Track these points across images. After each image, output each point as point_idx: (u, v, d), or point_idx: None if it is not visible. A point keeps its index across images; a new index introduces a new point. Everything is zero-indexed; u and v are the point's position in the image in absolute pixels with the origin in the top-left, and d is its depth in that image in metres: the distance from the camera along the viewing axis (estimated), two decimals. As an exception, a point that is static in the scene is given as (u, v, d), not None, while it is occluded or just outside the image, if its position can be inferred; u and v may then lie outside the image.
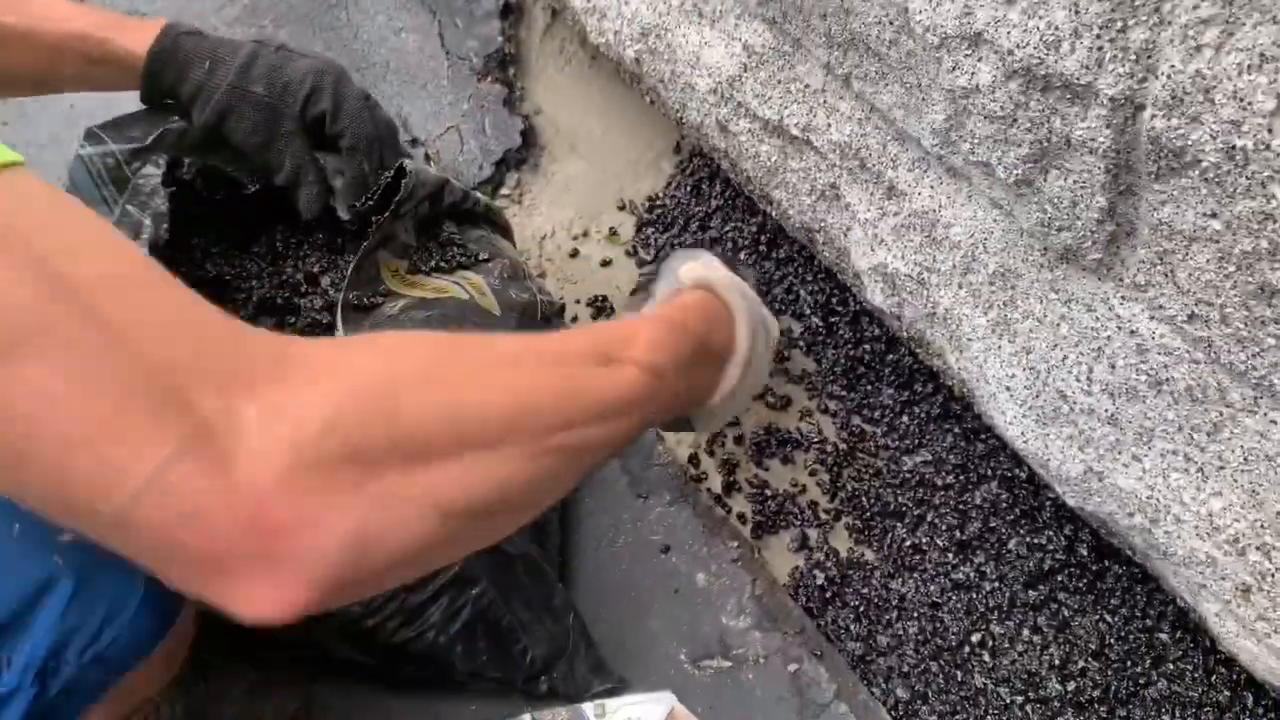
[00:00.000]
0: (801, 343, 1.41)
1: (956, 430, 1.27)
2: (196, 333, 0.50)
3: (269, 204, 1.13)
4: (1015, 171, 0.87)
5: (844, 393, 1.35)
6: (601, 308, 1.50)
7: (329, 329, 1.09)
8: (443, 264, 1.12)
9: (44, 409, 0.44)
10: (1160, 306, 0.84)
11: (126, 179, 1.08)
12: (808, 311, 1.41)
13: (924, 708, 1.09)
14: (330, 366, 0.53)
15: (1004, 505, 1.20)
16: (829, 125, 1.13)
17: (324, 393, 0.51)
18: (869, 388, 1.35)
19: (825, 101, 1.12)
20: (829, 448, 1.31)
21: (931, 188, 1.04)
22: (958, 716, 1.08)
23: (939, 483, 1.24)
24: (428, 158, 1.69)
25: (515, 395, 0.61)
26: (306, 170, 1.03)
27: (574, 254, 1.60)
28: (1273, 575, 0.85)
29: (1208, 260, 0.77)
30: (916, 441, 1.29)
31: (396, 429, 0.53)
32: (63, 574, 0.64)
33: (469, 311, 1.05)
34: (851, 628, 1.15)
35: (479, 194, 1.23)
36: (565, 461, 0.64)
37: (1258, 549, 0.86)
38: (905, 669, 1.12)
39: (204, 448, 0.46)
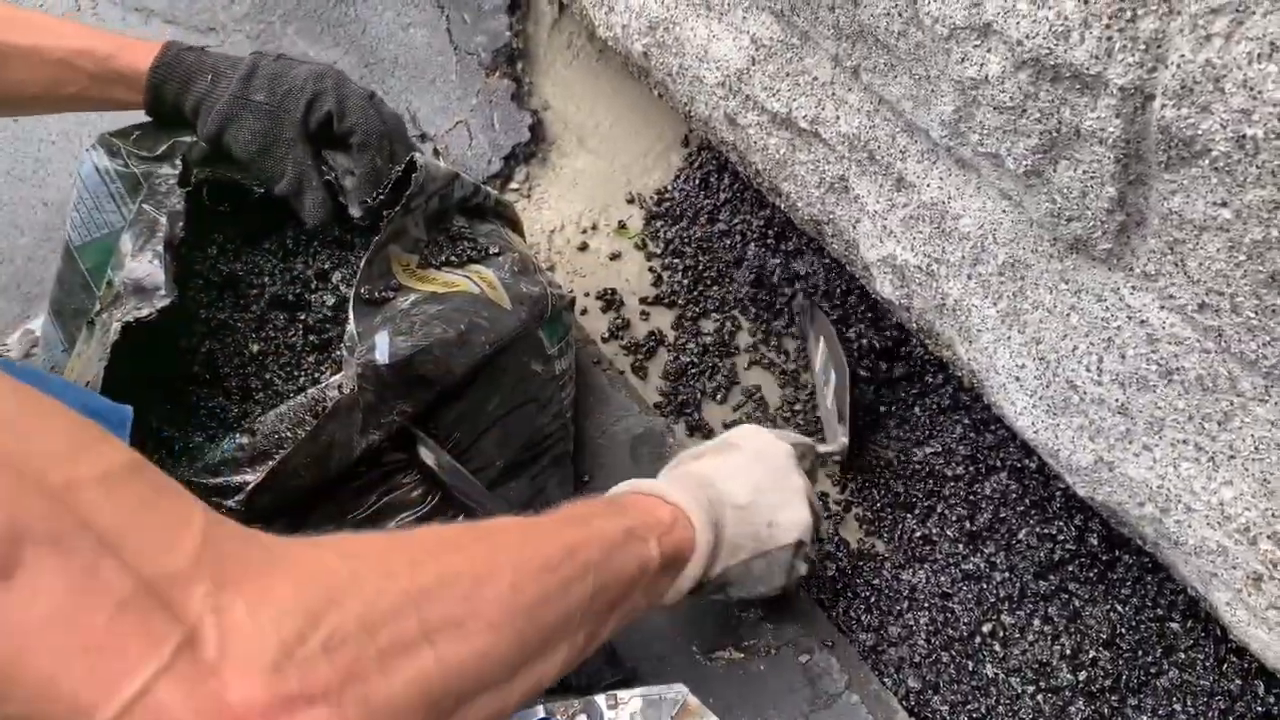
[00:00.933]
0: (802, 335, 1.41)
1: (966, 421, 1.27)
2: (186, 533, 0.50)
3: (277, 202, 1.13)
4: (1025, 162, 0.87)
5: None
6: (611, 300, 1.50)
7: (338, 323, 1.10)
8: (453, 258, 1.13)
9: (37, 623, 0.44)
10: (1171, 296, 0.84)
11: (136, 177, 1.09)
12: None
13: (935, 698, 1.10)
14: (309, 570, 0.54)
15: (1014, 496, 1.20)
16: (837, 117, 1.13)
17: (306, 598, 0.52)
18: (886, 387, 1.35)
19: (834, 94, 1.13)
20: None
21: (940, 179, 1.04)
22: (969, 706, 1.09)
23: (949, 474, 1.24)
24: (436, 152, 1.69)
25: (471, 565, 0.64)
26: (309, 177, 1.03)
27: (583, 247, 1.60)
28: (1284, 564, 0.85)
29: (1218, 249, 0.77)
30: (927, 433, 1.29)
31: (369, 627, 0.53)
32: None
33: (480, 305, 1.05)
34: (863, 618, 1.15)
35: (488, 188, 1.23)
36: (536, 624, 0.66)
37: (1269, 538, 0.86)
38: (916, 659, 1.12)
39: (191, 661, 0.46)
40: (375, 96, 1.07)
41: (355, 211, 1.05)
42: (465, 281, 1.07)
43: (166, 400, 1.05)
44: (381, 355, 0.94)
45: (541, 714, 1.06)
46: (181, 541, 0.50)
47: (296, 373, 1.08)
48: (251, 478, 0.92)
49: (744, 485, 0.97)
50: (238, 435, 0.98)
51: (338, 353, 1.05)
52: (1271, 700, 1.05)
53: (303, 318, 1.10)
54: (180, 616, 0.47)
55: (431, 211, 1.14)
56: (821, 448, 1.16)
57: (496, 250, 1.15)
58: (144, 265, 0.97)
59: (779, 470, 1.01)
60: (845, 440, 1.21)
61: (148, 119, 1.09)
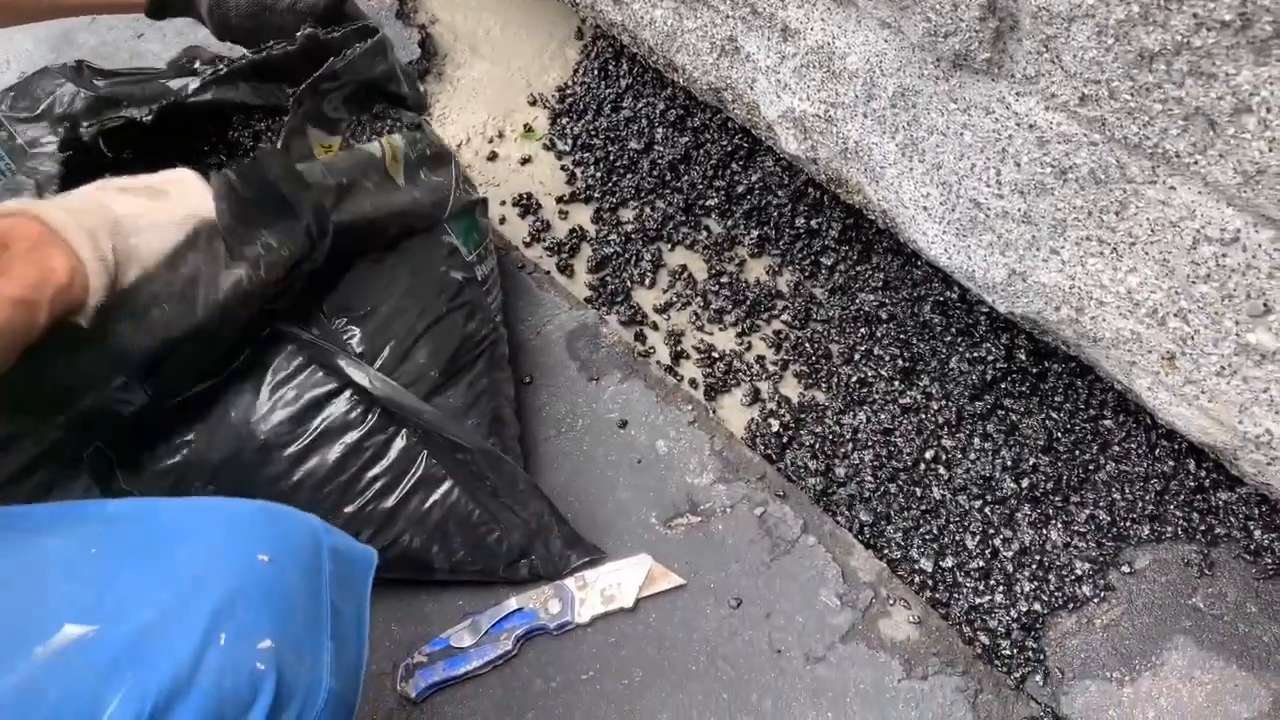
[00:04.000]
0: (720, 209, 1.42)
1: (887, 267, 1.29)
2: None
3: (180, 136, 1.11)
4: (894, -17, 0.87)
5: (781, 247, 1.37)
6: (528, 205, 1.49)
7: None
8: (374, 136, 1.11)
9: None
10: (1053, 95, 0.85)
11: (22, 147, 1.06)
12: (720, 172, 1.42)
13: (888, 527, 1.14)
14: None
15: (940, 327, 1.23)
16: (714, -25, 1.12)
17: None
18: (800, 240, 1.36)
19: (707, -49, 1.11)
20: (775, 304, 1.33)
21: (822, 20, 1.04)
22: (921, 530, 1.13)
23: (879, 317, 1.26)
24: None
25: None
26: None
27: (492, 157, 1.58)
28: (1192, 338, 0.89)
29: (1088, 37, 0.78)
30: (851, 282, 1.31)
31: None
32: (265, 678, 0.66)
33: (371, 169, 1.04)
34: (810, 465, 1.18)
35: (409, 71, 1.22)
36: None
37: (1175, 315, 0.89)
38: (866, 494, 1.16)
39: None
40: None
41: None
42: (371, 145, 1.06)
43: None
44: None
45: (514, 605, 1.09)
46: None
47: None
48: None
49: (160, 244, 0.87)
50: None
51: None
52: (1203, 474, 1.10)
53: None
54: None
55: (350, 92, 1.12)
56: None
57: (417, 124, 1.14)
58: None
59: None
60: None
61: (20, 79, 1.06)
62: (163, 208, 0.88)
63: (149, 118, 1.04)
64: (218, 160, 1.15)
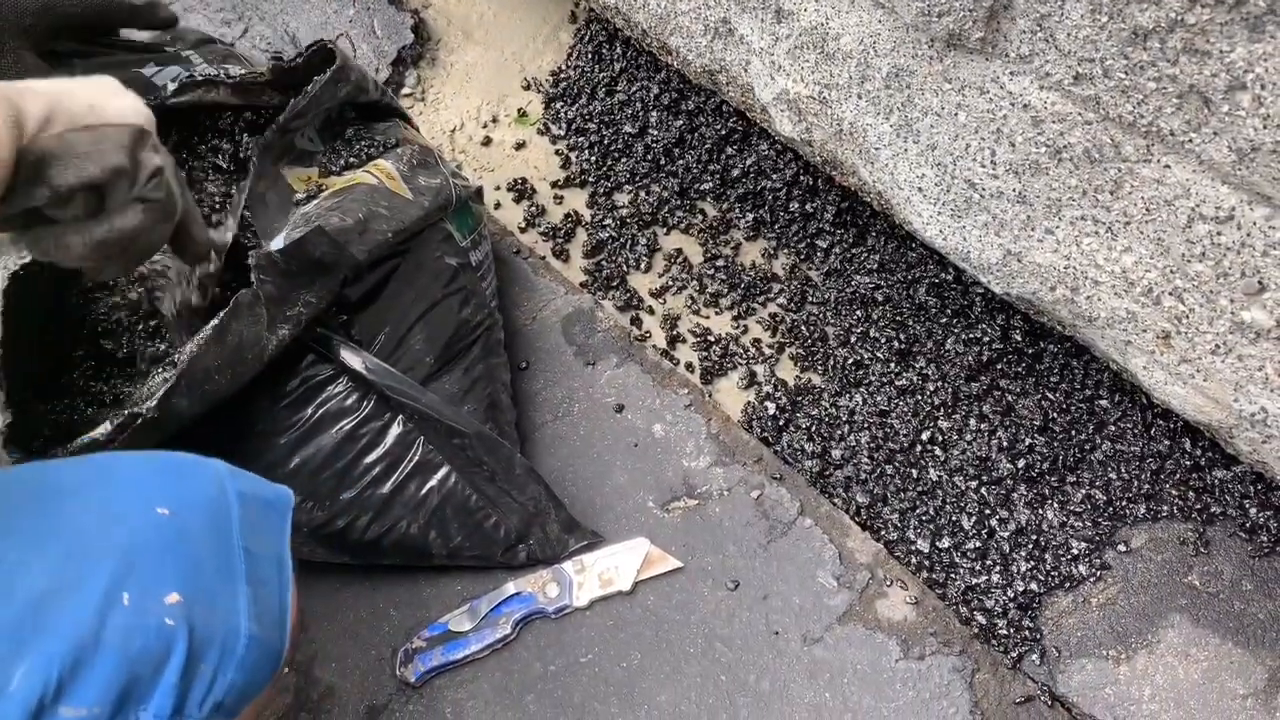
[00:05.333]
0: (715, 193, 1.41)
1: (882, 250, 1.29)
2: None
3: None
4: (887, -38, 0.86)
5: (776, 230, 1.37)
6: (522, 190, 1.49)
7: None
8: (353, 160, 1.11)
9: None
10: (1047, 74, 0.85)
11: None
12: (710, 151, 1.42)
13: (885, 508, 1.14)
14: None
15: (935, 309, 1.22)
16: (707, -44, 1.11)
17: None
18: (795, 223, 1.36)
19: (699, -68, 1.11)
20: (771, 288, 1.33)
21: (816, 1, 1.03)
22: (918, 511, 1.13)
23: (875, 299, 1.26)
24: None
25: None
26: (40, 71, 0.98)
27: (486, 141, 1.58)
28: (1187, 317, 0.89)
29: (1082, 15, 0.78)
30: (846, 265, 1.31)
31: None
32: (176, 634, 0.64)
33: (379, 195, 1.04)
34: (806, 447, 1.18)
35: (375, 79, 1.20)
36: None
37: (1170, 294, 0.89)
38: (862, 476, 1.16)
39: None
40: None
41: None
42: (364, 175, 1.06)
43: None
44: (276, 245, 0.93)
45: (512, 589, 1.09)
46: None
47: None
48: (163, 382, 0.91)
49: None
50: (161, 369, 0.97)
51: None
52: (1198, 453, 1.10)
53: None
54: None
55: (320, 122, 1.12)
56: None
57: (395, 142, 1.13)
58: None
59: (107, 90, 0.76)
60: None
61: None
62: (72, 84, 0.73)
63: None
64: (193, 163, 1.13)
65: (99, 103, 0.74)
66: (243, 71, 1.09)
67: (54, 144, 0.71)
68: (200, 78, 1.06)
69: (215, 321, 0.91)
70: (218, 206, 1.10)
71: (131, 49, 1.13)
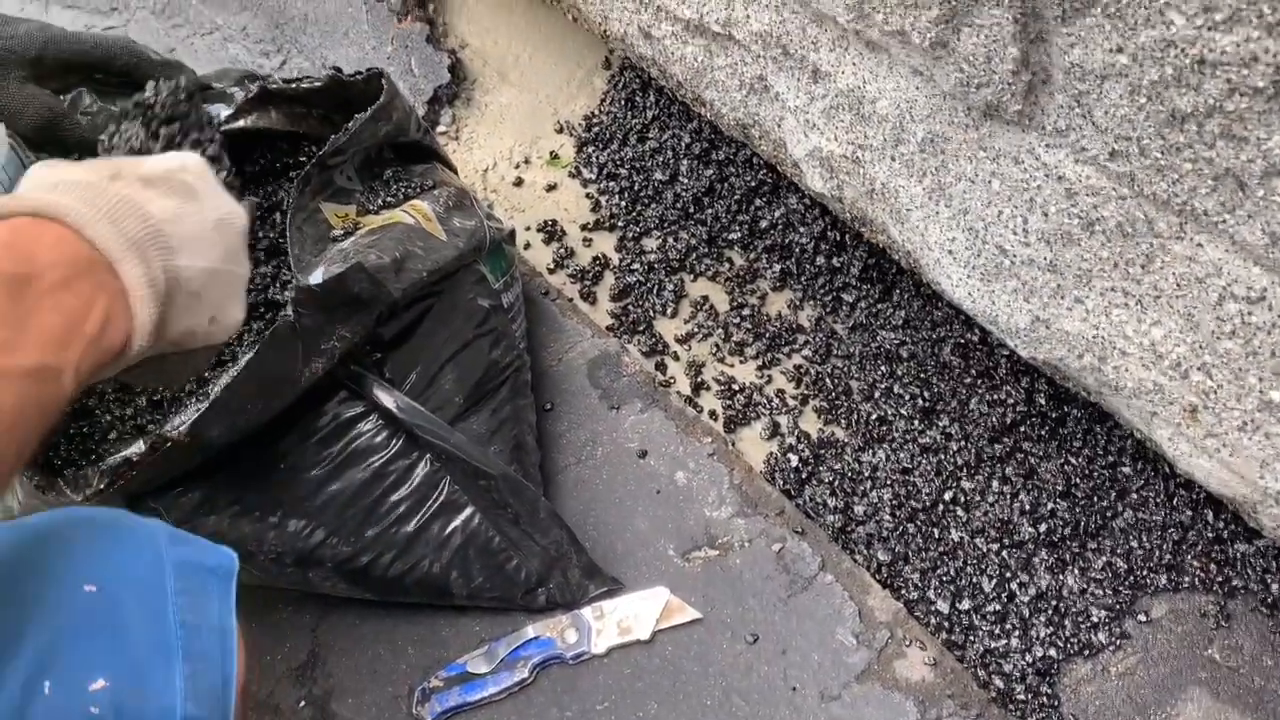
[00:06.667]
0: (742, 243, 1.43)
1: (908, 306, 1.30)
2: None
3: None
4: (929, 34, 0.88)
5: (803, 282, 1.38)
6: (552, 232, 1.51)
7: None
8: (389, 199, 1.13)
9: None
10: (1083, 149, 0.86)
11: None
12: (743, 206, 1.43)
13: (906, 567, 1.14)
14: None
15: (960, 368, 1.23)
16: (748, 17, 1.13)
17: None
18: (822, 276, 1.37)
19: (741, -8, 1.13)
20: (796, 339, 1.35)
21: (854, 64, 1.05)
22: (939, 571, 1.13)
23: (900, 355, 1.27)
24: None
25: None
26: (54, 107, 1.01)
27: (518, 182, 1.60)
28: (1215, 392, 0.89)
29: (1120, 95, 0.80)
30: (871, 320, 1.32)
31: None
32: None
33: (415, 235, 1.06)
34: (829, 502, 1.19)
35: (417, 115, 1.23)
36: None
37: (1199, 369, 0.89)
38: (884, 534, 1.16)
39: None
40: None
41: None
42: (401, 215, 1.08)
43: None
44: (315, 280, 0.94)
45: (531, 633, 1.10)
46: None
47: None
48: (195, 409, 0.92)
49: (204, 262, 0.70)
50: (195, 400, 0.98)
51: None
52: (1221, 525, 1.10)
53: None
54: None
55: (360, 162, 1.14)
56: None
57: (431, 184, 1.15)
58: None
59: (236, 249, 0.75)
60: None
61: None
62: (195, 210, 0.70)
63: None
64: (242, 188, 1.15)
65: (220, 316, 0.73)
66: (299, 79, 1.12)
67: (149, 370, 0.71)
68: (255, 89, 1.09)
69: (251, 352, 0.92)
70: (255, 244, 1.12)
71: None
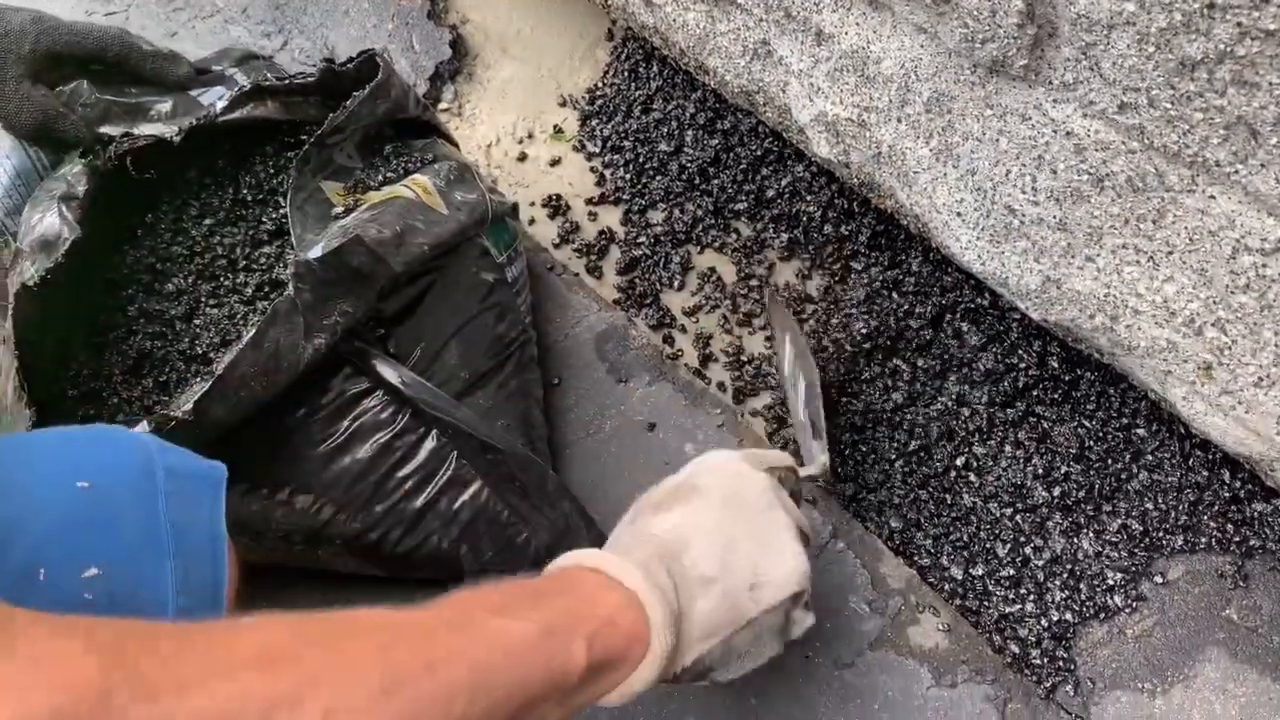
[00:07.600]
0: (749, 213, 1.41)
1: (916, 271, 1.29)
2: None
3: (203, 151, 1.12)
4: (932, -12, 0.86)
5: (810, 251, 1.37)
6: (557, 206, 1.50)
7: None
8: (389, 175, 1.12)
9: None
10: (1091, 102, 0.85)
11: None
12: (749, 173, 1.42)
13: (918, 534, 1.13)
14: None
15: (970, 333, 1.22)
16: (748, -22, 1.12)
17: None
18: (830, 245, 1.36)
19: (741, -46, 1.11)
20: (805, 308, 1.33)
21: (857, 24, 1.03)
22: (952, 537, 1.12)
23: (911, 324, 1.26)
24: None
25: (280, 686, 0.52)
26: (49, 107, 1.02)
27: (522, 157, 1.59)
28: (1230, 348, 0.88)
29: (1128, 45, 0.78)
30: (880, 286, 1.30)
31: None
32: (94, 608, 0.62)
33: (415, 209, 1.05)
34: (840, 470, 1.18)
35: (416, 93, 1.22)
36: None
37: (1213, 325, 0.88)
38: (896, 500, 1.15)
39: None
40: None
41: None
42: (401, 189, 1.07)
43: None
44: (315, 254, 0.94)
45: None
46: None
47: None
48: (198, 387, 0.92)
49: (712, 549, 0.78)
50: (199, 379, 0.98)
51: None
52: (1237, 485, 1.09)
53: (244, 279, 1.09)
54: None
55: (359, 139, 1.13)
56: (801, 471, 0.96)
57: (432, 158, 1.14)
58: (45, 220, 0.97)
59: (757, 512, 0.82)
60: (825, 459, 1.02)
61: None
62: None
63: (179, 138, 1.04)
64: (242, 179, 1.14)
65: (761, 577, 0.79)
66: (291, 75, 1.11)
67: (718, 654, 0.78)
68: (249, 86, 1.08)
69: (253, 329, 0.92)
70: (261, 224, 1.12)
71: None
